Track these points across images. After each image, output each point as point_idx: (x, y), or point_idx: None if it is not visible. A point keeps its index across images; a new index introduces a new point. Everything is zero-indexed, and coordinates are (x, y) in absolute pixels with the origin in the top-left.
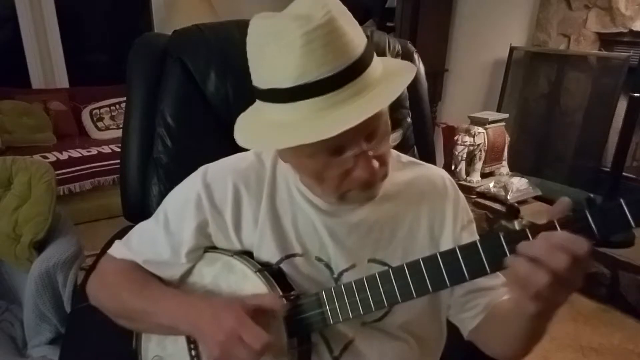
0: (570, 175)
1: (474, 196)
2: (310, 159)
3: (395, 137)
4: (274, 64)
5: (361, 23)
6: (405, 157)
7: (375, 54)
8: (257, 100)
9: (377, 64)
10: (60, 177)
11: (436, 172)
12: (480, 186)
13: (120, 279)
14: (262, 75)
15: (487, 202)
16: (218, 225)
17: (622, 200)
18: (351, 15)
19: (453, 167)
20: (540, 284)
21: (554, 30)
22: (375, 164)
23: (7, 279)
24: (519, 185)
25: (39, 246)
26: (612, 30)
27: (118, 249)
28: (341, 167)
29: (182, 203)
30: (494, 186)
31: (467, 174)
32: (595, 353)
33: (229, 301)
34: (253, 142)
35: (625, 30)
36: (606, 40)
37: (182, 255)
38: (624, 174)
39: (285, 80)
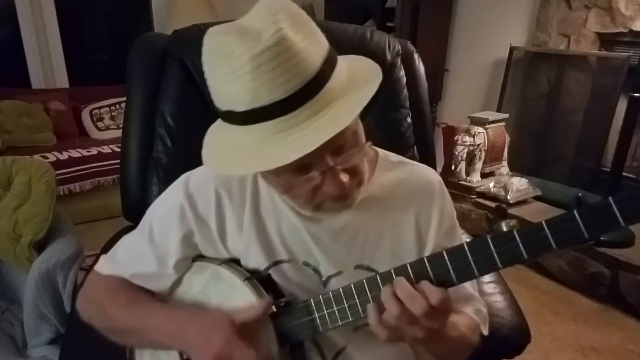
0: (570, 175)
1: (474, 196)
2: (276, 177)
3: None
4: (226, 87)
5: (361, 23)
6: (394, 157)
7: (338, 58)
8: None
9: (341, 71)
10: (60, 177)
11: (426, 172)
12: (480, 186)
13: (107, 296)
14: (218, 96)
15: (487, 202)
16: (204, 235)
17: (611, 199)
18: (310, 21)
19: (453, 167)
20: (390, 318)
21: (554, 30)
22: (344, 177)
23: (7, 279)
24: (519, 185)
25: (39, 246)
26: (612, 30)
27: (104, 265)
28: (309, 184)
29: (166, 215)
30: (494, 186)
31: (467, 174)
32: (595, 353)
33: (217, 318)
34: (213, 164)
35: (625, 30)
36: (606, 40)
37: (169, 267)
38: (624, 174)
39: (238, 104)
